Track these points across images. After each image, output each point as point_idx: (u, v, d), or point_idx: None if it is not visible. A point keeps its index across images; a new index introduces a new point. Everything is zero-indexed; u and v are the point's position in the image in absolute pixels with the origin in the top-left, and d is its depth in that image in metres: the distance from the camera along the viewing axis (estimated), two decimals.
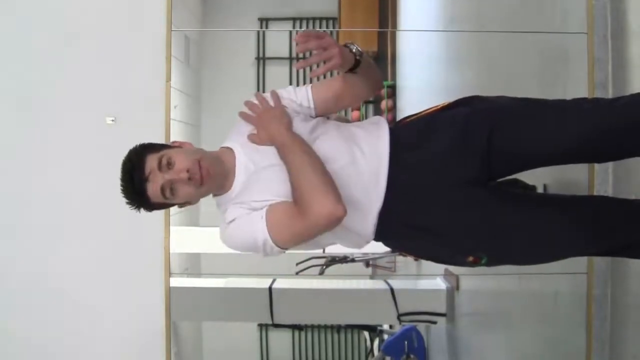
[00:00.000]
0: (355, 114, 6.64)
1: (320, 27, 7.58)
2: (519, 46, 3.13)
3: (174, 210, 3.00)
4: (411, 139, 1.63)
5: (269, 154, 1.62)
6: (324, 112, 1.72)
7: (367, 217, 1.61)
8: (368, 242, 1.68)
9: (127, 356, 3.29)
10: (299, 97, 1.70)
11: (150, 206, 1.61)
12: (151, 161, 1.55)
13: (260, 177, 1.61)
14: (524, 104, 1.67)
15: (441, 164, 1.60)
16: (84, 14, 3.16)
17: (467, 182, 1.60)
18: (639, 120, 1.55)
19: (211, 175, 1.57)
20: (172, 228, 3.13)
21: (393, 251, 4.38)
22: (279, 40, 7.64)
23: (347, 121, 1.79)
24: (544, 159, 1.67)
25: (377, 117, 1.75)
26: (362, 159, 1.60)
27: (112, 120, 3.12)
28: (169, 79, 3.03)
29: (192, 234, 4.63)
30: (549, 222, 1.61)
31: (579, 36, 2.48)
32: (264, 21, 7.47)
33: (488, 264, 1.65)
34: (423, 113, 1.71)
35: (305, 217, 1.48)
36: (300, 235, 1.54)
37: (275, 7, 7.42)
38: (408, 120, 1.72)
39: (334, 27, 7.45)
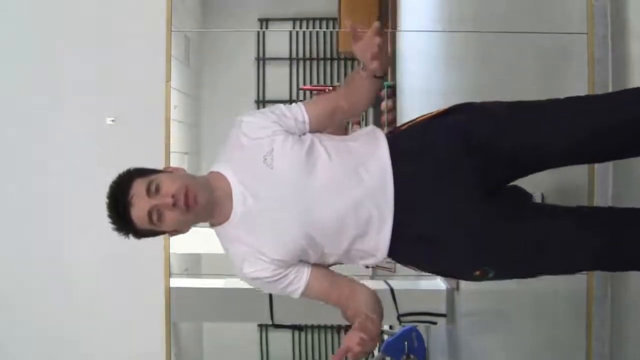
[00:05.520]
0: None
1: (320, 27, 7.58)
2: (519, 46, 3.12)
3: None
4: (409, 149, 1.62)
5: (268, 183, 1.57)
6: (317, 128, 1.66)
7: (381, 232, 1.58)
8: (380, 260, 1.65)
9: (127, 356, 3.29)
10: (293, 112, 1.63)
11: (136, 232, 1.57)
12: (138, 186, 1.51)
13: (268, 221, 1.57)
14: (521, 108, 1.65)
15: (440, 173, 1.59)
16: (84, 15, 3.16)
17: (467, 191, 1.58)
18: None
19: (198, 202, 1.52)
20: None
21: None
22: (279, 41, 7.66)
23: (344, 130, 1.77)
24: (542, 163, 1.66)
25: (371, 127, 1.71)
26: (366, 175, 1.57)
27: (112, 121, 3.12)
28: (169, 79, 3.03)
29: (192, 234, 4.62)
30: (555, 231, 1.59)
31: (579, 36, 2.47)
32: (264, 21, 7.47)
33: (495, 277, 1.62)
34: (417, 120, 1.69)
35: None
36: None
37: (275, 7, 7.42)
38: (403, 128, 1.70)
39: (334, 27, 7.45)
